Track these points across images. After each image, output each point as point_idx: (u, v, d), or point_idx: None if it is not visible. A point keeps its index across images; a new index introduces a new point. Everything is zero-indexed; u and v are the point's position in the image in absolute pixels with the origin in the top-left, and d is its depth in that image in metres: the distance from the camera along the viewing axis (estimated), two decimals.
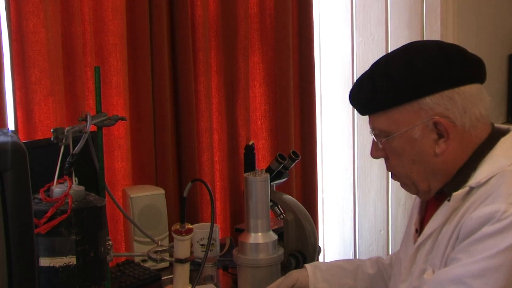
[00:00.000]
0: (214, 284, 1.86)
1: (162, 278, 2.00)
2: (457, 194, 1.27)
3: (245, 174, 1.71)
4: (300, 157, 2.11)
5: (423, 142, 1.30)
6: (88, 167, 1.56)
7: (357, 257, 3.16)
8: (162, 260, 1.65)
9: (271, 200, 1.87)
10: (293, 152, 2.09)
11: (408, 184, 1.37)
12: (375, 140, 1.37)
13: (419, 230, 1.42)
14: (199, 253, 1.97)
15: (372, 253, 3.12)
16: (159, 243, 1.69)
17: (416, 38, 2.83)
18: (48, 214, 1.21)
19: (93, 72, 1.75)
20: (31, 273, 1.01)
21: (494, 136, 1.31)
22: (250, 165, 2.09)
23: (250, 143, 2.14)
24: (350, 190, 3.13)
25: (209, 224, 1.95)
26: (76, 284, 1.25)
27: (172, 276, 1.69)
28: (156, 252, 1.65)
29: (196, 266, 1.87)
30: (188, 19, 2.35)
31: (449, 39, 2.84)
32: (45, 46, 1.99)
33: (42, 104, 2.02)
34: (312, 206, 2.75)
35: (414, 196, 1.46)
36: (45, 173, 1.30)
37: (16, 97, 2.01)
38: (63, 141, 1.35)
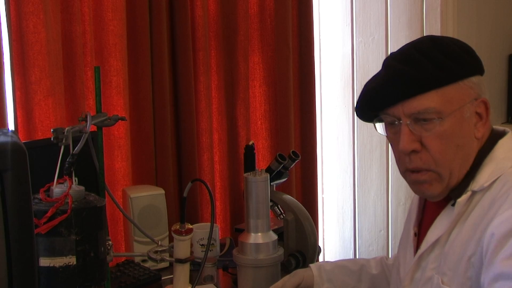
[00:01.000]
0: (214, 284, 1.86)
1: (162, 278, 2.00)
2: (461, 200, 1.25)
3: (245, 174, 1.71)
4: (300, 157, 2.11)
5: (469, 123, 1.27)
6: (88, 167, 1.56)
7: (357, 257, 3.16)
8: (162, 260, 1.65)
9: (271, 200, 1.88)
10: (293, 152, 2.09)
11: (442, 177, 1.27)
12: (409, 130, 1.26)
13: (418, 234, 1.41)
14: (199, 253, 1.97)
15: (372, 253, 3.12)
16: (159, 243, 1.69)
17: (416, 38, 2.83)
18: (48, 214, 1.21)
19: (93, 72, 1.75)
20: (31, 273, 1.01)
21: (493, 138, 1.31)
22: (250, 165, 2.09)
23: (250, 143, 2.14)
24: (350, 190, 3.13)
25: (209, 224, 1.95)
26: (76, 284, 1.25)
27: (172, 276, 1.69)
28: (156, 252, 1.65)
29: (196, 266, 1.87)
30: (188, 19, 2.35)
31: None
32: (45, 46, 1.99)
33: (42, 104, 2.02)
34: (312, 206, 2.75)
35: (413, 195, 1.45)
36: (45, 173, 1.30)
37: (16, 97, 2.01)
38: (63, 141, 1.35)
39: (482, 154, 1.29)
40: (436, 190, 1.29)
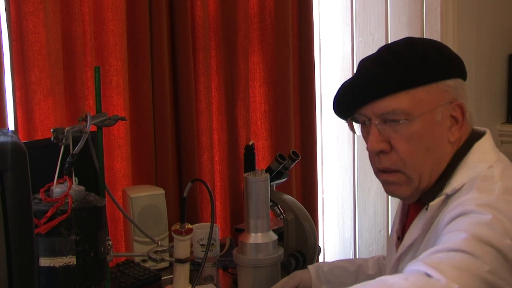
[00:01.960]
0: (214, 284, 1.86)
1: (162, 278, 2.00)
2: (434, 203, 1.24)
3: (245, 174, 1.71)
4: (300, 157, 2.11)
5: (441, 127, 1.26)
6: (88, 167, 1.56)
7: (357, 257, 3.16)
8: (162, 260, 1.65)
9: (271, 200, 1.87)
10: (293, 152, 2.09)
11: (411, 180, 1.27)
12: (377, 130, 1.27)
13: (401, 238, 1.41)
14: (199, 253, 1.97)
15: (372, 253, 3.12)
16: (159, 243, 1.69)
17: None
18: (48, 214, 1.21)
19: (93, 72, 1.75)
20: (31, 273, 1.01)
21: (469, 141, 1.29)
22: (250, 165, 2.09)
23: (250, 143, 2.14)
24: (350, 190, 3.13)
25: (209, 224, 1.95)
26: (76, 284, 1.25)
27: (172, 276, 1.69)
28: (156, 252, 1.65)
29: (196, 266, 1.87)
30: (188, 19, 2.35)
31: (449, 39, 2.84)
32: (45, 46, 1.99)
33: (42, 104, 2.02)
34: (312, 206, 2.75)
35: (399, 204, 1.45)
36: (45, 173, 1.30)
37: (16, 97, 2.01)
38: (63, 141, 1.35)
39: (458, 158, 1.27)
40: (404, 192, 1.30)
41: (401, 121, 1.24)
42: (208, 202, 2.45)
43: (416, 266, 1.02)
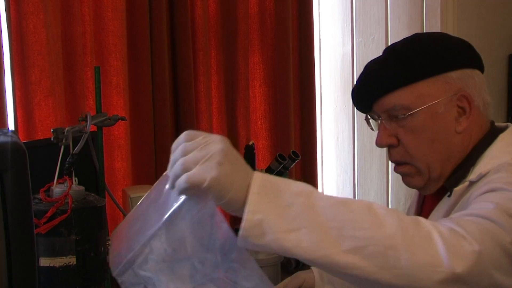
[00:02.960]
0: None
1: None
2: (458, 189, 1.26)
3: None
4: (300, 157, 2.11)
5: (446, 118, 1.28)
6: (88, 167, 1.57)
7: None
8: None
9: None
10: (293, 152, 2.09)
11: (420, 171, 1.31)
12: (385, 126, 1.32)
13: None
14: None
15: None
16: None
17: None
18: (48, 214, 1.21)
19: (93, 72, 1.75)
20: (31, 273, 1.01)
21: (493, 133, 1.32)
22: (250, 165, 2.09)
23: (250, 143, 2.14)
24: (350, 190, 3.13)
25: None
26: (76, 284, 1.25)
27: None
28: None
29: None
30: (188, 19, 2.35)
31: None
32: (45, 46, 1.99)
33: (42, 104, 2.02)
34: None
35: (413, 196, 1.45)
36: (45, 173, 1.30)
37: (16, 97, 2.01)
38: (63, 141, 1.35)
39: (482, 147, 1.30)
40: (418, 182, 1.34)
41: (402, 116, 1.28)
42: None
43: (443, 222, 1.03)
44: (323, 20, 3.06)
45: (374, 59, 1.36)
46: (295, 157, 2.07)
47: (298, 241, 0.90)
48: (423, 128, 1.29)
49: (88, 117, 1.43)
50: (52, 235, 1.22)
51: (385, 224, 0.93)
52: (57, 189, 1.27)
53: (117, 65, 2.19)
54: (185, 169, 0.96)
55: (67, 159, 1.31)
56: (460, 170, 1.30)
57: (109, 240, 1.43)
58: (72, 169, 1.30)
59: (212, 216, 0.92)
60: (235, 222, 2.60)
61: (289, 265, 1.93)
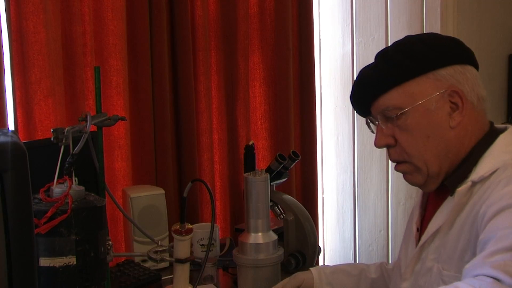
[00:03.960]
0: (214, 284, 1.86)
1: (162, 278, 2.00)
2: (461, 189, 1.28)
3: (245, 174, 1.71)
4: (300, 157, 2.11)
5: (438, 114, 1.31)
6: (88, 167, 1.56)
7: (357, 258, 3.16)
8: (162, 260, 1.65)
9: (271, 200, 1.87)
10: (293, 152, 2.09)
11: (419, 168, 1.34)
12: (381, 127, 1.36)
13: (420, 229, 1.43)
14: (199, 253, 1.97)
15: (372, 253, 3.12)
16: (159, 243, 1.69)
17: None
18: (48, 214, 1.21)
19: (93, 72, 1.75)
20: (31, 273, 1.01)
21: (493, 133, 1.34)
22: (250, 165, 2.09)
23: (250, 143, 2.14)
24: (350, 190, 3.13)
25: (209, 224, 1.95)
26: (76, 284, 1.25)
27: (172, 276, 1.69)
28: (156, 252, 1.65)
29: (196, 266, 1.87)
30: (188, 19, 2.35)
31: None
32: (45, 46, 1.99)
33: (42, 104, 2.02)
34: (312, 206, 2.75)
35: (414, 196, 1.46)
36: (45, 173, 1.30)
37: (16, 97, 2.01)
38: (63, 141, 1.35)
39: (482, 146, 1.31)
40: (418, 179, 1.36)
41: (396, 116, 1.32)
42: (208, 202, 2.45)
43: (482, 270, 1.04)
44: (323, 20, 3.06)
45: (367, 65, 1.40)
46: (295, 157, 2.07)
47: None
48: (417, 126, 1.32)
49: (88, 117, 1.43)
50: (52, 235, 1.22)
51: None
52: (57, 189, 1.27)
53: (117, 65, 2.19)
54: None
55: (67, 159, 1.30)
56: (461, 169, 1.31)
57: (109, 240, 1.44)
58: (72, 169, 1.30)
59: None
60: (235, 222, 2.61)
61: (289, 265, 1.93)
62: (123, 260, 2.12)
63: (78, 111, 2.07)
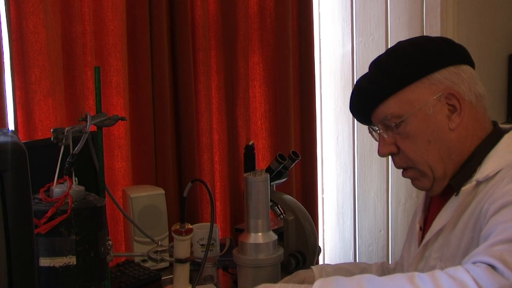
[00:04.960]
0: (214, 284, 1.86)
1: (162, 278, 2.00)
2: (465, 189, 1.28)
3: (245, 174, 1.71)
4: (300, 157, 2.11)
5: (437, 118, 1.31)
6: (88, 167, 1.56)
7: (357, 258, 3.16)
8: (162, 260, 1.65)
9: (271, 200, 1.87)
10: (293, 152, 2.09)
11: (424, 173, 1.35)
12: (383, 136, 1.37)
13: (423, 228, 1.43)
14: (199, 253, 1.97)
15: (372, 253, 3.12)
16: (159, 243, 1.69)
17: None
18: (48, 214, 1.21)
19: (93, 72, 1.75)
20: (31, 273, 1.01)
21: (498, 133, 1.35)
22: (250, 165, 2.09)
23: (250, 143, 2.14)
24: (350, 190, 3.13)
25: (209, 224, 1.95)
26: (76, 284, 1.25)
27: (172, 276, 1.69)
28: (156, 252, 1.65)
29: (196, 266, 1.87)
30: (188, 19, 2.35)
31: None
32: (45, 46, 1.99)
33: (42, 104, 2.02)
34: (312, 206, 2.75)
35: (414, 196, 1.47)
36: (45, 173, 1.30)
37: (16, 97, 2.01)
38: (63, 141, 1.35)
39: (486, 147, 1.32)
40: (425, 184, 1.38)
41: (395, 124, 1.33)
42: (208, 202, 2.45)
43: (479, 258, 1.07)
44: (323, 20, 3.06)
45: (362, 75, 1.40)
46: (295, 157, 2.07)
47: None
48: (417, 132, 1.32)
49: (88, 117, 1.43)
50: (52, 235, 1.22)
51: None
52: (57, 189, 1.27)
53: (117, 65, 2.19)
54: None
55: (67, 159, 1.30)
56: (465, 169, 1.32)
57: (109, 240, 1.44)
58: (72, 169, 1.30)
59: None
60: (235, 222, 2.61)
61: (289, 265, 1.93)
62: (123, 260, 2.12)
63: (78, 111, 2.07)
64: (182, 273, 1.64)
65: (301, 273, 1.61)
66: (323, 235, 3.17)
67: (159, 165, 2.33)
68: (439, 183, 1.35)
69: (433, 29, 2.86)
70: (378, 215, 3.09)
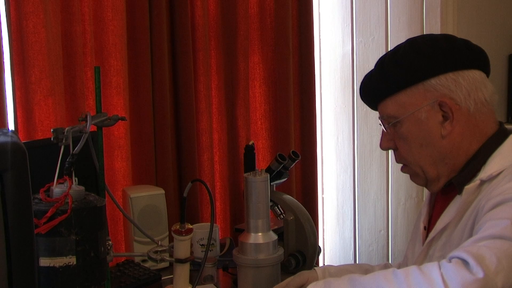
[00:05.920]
0: (214, 284, 1.86)
1: (162, 278, 2.00)
2: (469, 188, 1.29)
3: (245, 174, 1.71)
4: (300, 157, 2.11)
5: (429, 124, 1.33)
6: (88, 167, 1.56)
7: (357, 258, 3.16)
8: (162, 260, 1.65)
9: (271, 200, 1.87)
10: (293, 152, 2.09)
11: (417, 173, 1.39)
12: (385, 131, 1.41)
13: (427, 227, 1.44)
14: (199, 253, 1.97)
15: (372, 253, 3.12)
16: (159, 243, 1.69)
17: None
18: (48, 214, 1.21)
19: (93, 72, 1.75)
20: (31, 273, 1.01)
21: (503, 133, 1.35)
22: (250, 165, 2.09)
23: (250, 143, 2.14)
24: (350, 190, 3.13)
25: (209, 224, 1.95)
26: (76, 284, 1.25)
27: (172, 276, 1.69)
28: (156, 252, 1.65)
29: (196, 266, 1.87)
30: (188, 19, 2.35)
31: None
32: (45, 46, 1.99)
33: (42, 104, 2.02)
34: (312, 206, 2.75)
35: (414, 196, 1.48)
36: (45, 173, 1.30)
37: (16, 97, 2.01)
38: (63, 141, 1.35)
39: (490, 146, 1.33)
40: (419, 181, 1.42)
41: (392, 124, 1.37)
42: (208, 202, 2.45)
43: (456, 253, 1.08)
44: (323, 20, 3.06)
45: (369, 71, 1.44)
46: (295, 157, 2.07)
47: None
48: (409, 135, 1.36)
49: (88, 117, 1.43)
50: (52, 235, 1.22)
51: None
52: (57, 189, 1.27)
53: (117, 65, 2.19)
54: None
55: (67, 159, 1.30)
56: (468, 169, 1.33)
57: (109, 240, 1.44)
58: (72, 169, 1.30)
59: None
60: (235, 221, 2.61)
61: (289, 265, 1.93)
62: (123, 260, 2.11)
63: (78, 111, 2.07)
64: (182, 273, 1.64)
65: (305, 273, 1.61)
66: (323, 235, 3.17)
67: (159, 165, 2.33)
68: (433, 183, 1.39)
69: (433, 29, 2.86)
70: (378, 215, 3.09)
